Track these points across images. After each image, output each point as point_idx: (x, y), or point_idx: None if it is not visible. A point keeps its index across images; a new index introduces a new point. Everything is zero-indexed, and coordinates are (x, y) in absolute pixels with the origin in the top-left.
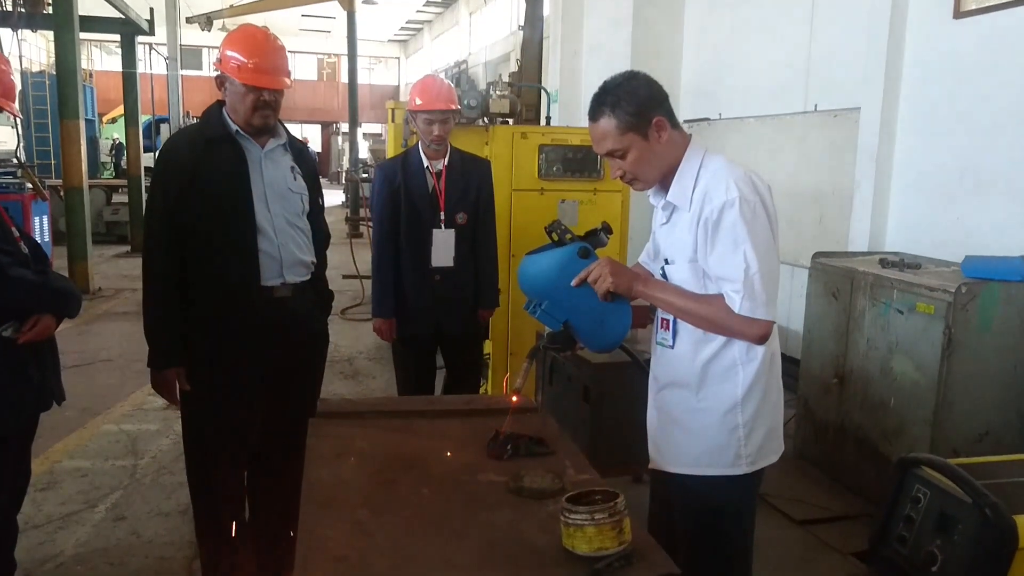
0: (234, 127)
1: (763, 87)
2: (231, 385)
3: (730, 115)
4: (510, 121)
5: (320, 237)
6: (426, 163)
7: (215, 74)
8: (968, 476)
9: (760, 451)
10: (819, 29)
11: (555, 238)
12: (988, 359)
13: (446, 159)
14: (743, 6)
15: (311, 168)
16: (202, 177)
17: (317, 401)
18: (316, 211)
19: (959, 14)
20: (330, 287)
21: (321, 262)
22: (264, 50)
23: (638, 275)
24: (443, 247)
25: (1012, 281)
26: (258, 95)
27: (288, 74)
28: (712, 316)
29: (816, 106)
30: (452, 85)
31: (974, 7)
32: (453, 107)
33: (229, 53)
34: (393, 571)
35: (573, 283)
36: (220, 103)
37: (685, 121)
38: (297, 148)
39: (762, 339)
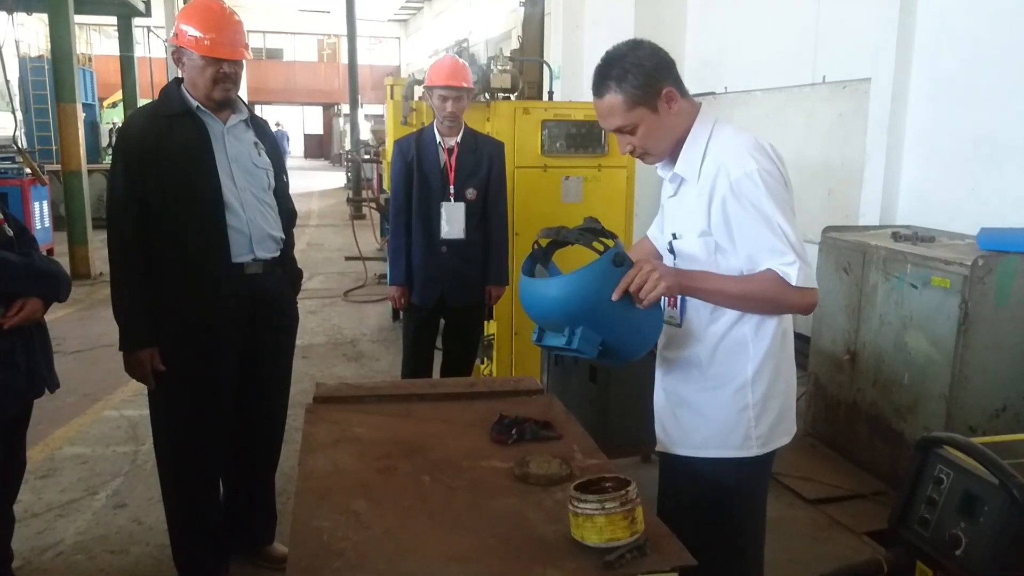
0: (194, 103)
1: (770, 59)
2: (204, 365)
3: (736, 88)
4: (512, 97)
5: (286, 215)
6: (439, 139)
7: (172, 50)
8: (995, 456)
9: (771, 432)
10: None
11: (542, 245)
12: (1005, 333)
13: (459, 136)
14: None
15: (273, 145)
16: (165, 154)
17: (288, 383)
18: (281, 188)
19: None
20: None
21: (288, 240)
22: (221, 22)
23: (681, 271)
24: (452, 220)
25: None
26: (218, 67)
27: (246, 46)
28: (769, 294)
29: (824, 77)
30: (467, 65)
31: None
32: (465, 85)
33: (185, 27)
34: (391, 566)
35: (614, 297)
36: (178, 80)
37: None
38: (259, 124)
39: (813, 307)
